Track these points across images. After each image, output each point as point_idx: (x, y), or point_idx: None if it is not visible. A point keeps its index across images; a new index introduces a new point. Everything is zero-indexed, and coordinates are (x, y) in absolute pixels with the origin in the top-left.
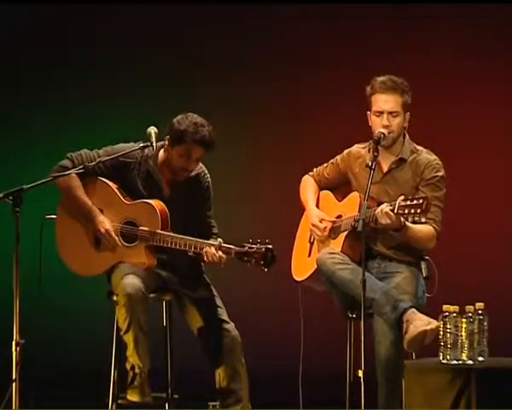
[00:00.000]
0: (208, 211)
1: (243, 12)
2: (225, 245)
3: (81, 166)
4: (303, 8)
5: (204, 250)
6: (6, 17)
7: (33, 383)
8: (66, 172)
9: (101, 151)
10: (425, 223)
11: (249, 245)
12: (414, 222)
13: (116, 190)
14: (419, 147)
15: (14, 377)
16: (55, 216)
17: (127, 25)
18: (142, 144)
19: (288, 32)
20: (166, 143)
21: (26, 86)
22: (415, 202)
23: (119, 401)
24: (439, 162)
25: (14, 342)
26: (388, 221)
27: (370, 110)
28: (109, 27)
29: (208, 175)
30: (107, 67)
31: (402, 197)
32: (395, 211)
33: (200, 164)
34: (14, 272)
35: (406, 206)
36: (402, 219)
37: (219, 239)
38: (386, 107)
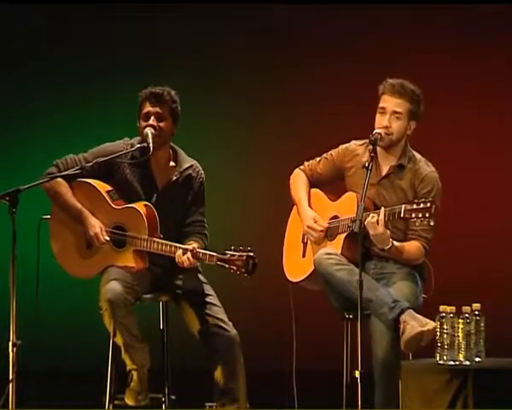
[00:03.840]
0: (200, 208)
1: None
2: (206, 252)
3: (78, 168)
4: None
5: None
6: None
7: (32, 383)
8: (59, 174)
9: (86, 154)
10: (415, 239)
11: (231, 253)
12: (421, 225)
13: (105, 194)
14: (418, 155)
15: (10, 377)
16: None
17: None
18: (138, 145)
19: (287, 20)
20: (138, 124)
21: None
22: (422, 205)
23: (116, 402)
24: (436, 174)
25: (10, 343)
26: (371, 232)
27: None
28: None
29: (202, 171)
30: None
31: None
32: (402, 215)
33: (194, 161)
34: (11, 273)
35: (413, 209)
36: (390, 239)
37: (194, 245)
38: (389, 105)
